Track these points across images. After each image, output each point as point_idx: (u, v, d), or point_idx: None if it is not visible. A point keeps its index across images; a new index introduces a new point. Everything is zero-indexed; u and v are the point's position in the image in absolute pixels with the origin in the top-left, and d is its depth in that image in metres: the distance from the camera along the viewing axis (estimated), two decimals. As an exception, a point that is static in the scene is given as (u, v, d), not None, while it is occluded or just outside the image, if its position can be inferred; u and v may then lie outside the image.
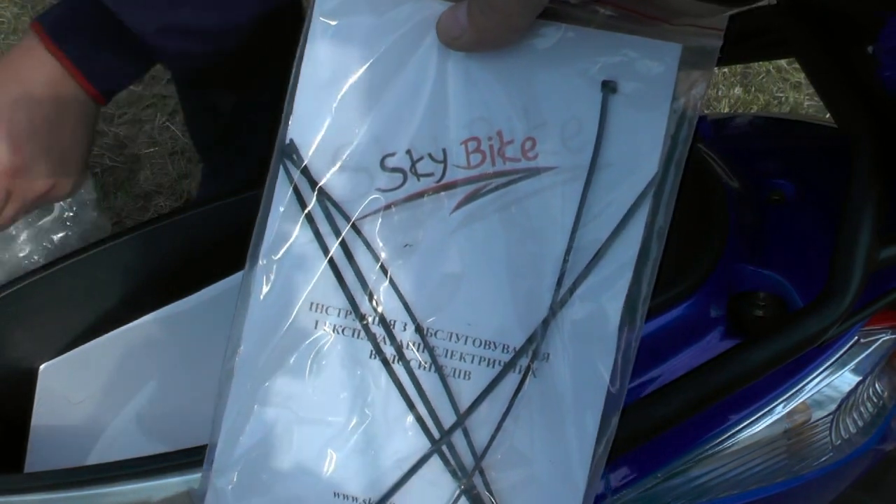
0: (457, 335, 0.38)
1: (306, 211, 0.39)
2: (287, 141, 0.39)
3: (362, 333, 0.38)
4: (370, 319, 0.38)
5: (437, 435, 0.38)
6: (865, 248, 0.51)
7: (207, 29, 0.64)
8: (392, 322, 0.38)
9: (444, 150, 0.37)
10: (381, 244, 0.38)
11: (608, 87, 0.36)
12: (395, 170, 0.38)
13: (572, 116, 0.36)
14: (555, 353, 0.38)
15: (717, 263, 0.64)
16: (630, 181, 0.36)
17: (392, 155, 0.38)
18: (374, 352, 0.39)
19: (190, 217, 0.76)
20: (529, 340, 0.38)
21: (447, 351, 0.38)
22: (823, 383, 0.66)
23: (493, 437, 0.38)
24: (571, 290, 0.37)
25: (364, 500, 0.39)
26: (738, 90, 1.81)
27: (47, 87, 0.61)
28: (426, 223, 0.38)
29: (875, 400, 0.70)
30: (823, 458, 0.69)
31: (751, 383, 0.52)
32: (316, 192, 0.39)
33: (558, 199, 0.37)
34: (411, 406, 0.39)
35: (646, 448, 0.51)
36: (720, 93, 1.81)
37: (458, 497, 0.38)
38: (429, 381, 0.38)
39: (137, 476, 0.55)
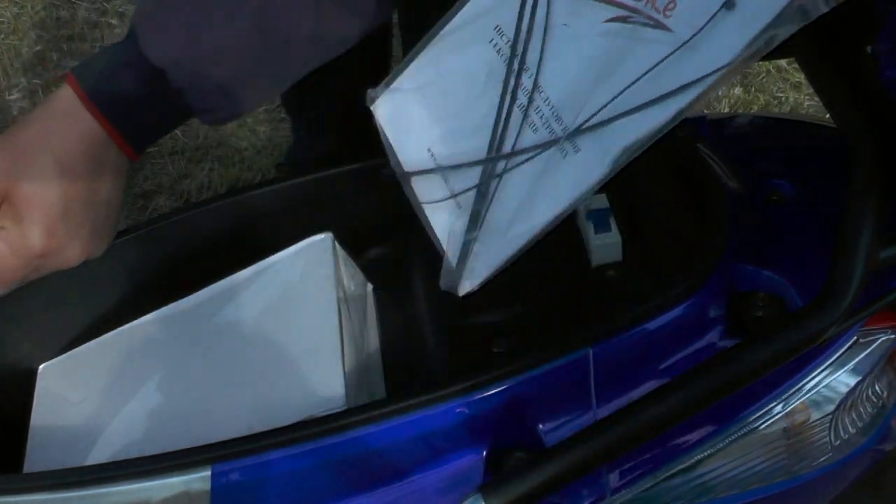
0: (552, 103, 0.49)
1: None
2: None
3: (507, 57, 0.50)
4: (518, 49, 0.49)
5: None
6: (865, 248, 0.51)
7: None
8: (527, 68, 0.49)
9: None
10: (554, 14, 0.48)
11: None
12: None
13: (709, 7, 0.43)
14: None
15: (717, 263, 0.64)
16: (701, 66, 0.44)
17: None
18: (505, 80, 0.50)
19: (190, 217, 0.76)
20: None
21: (538, 104, 0.49)
22: (823, 383, 0.66)
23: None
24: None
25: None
26: (738, 90, 1.81)
27: (84, 156, 0.56)
28: (586, 17, 0.47)
29: (874, 400, 0.70)
30: (823, 458, 0.69)
31: (751, 383, 0.52)
32: None
33: (658, 50, 0.45)
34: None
35: (646, 448, 0.51)
36: (720, 93, 1.81)
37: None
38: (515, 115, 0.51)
39: (137, 476, 0.55)
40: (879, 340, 0.68)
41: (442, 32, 0.52)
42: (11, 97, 1.89)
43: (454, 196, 0.51)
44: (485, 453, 0.58)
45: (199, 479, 0.56)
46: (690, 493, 0.65)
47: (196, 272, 0.75)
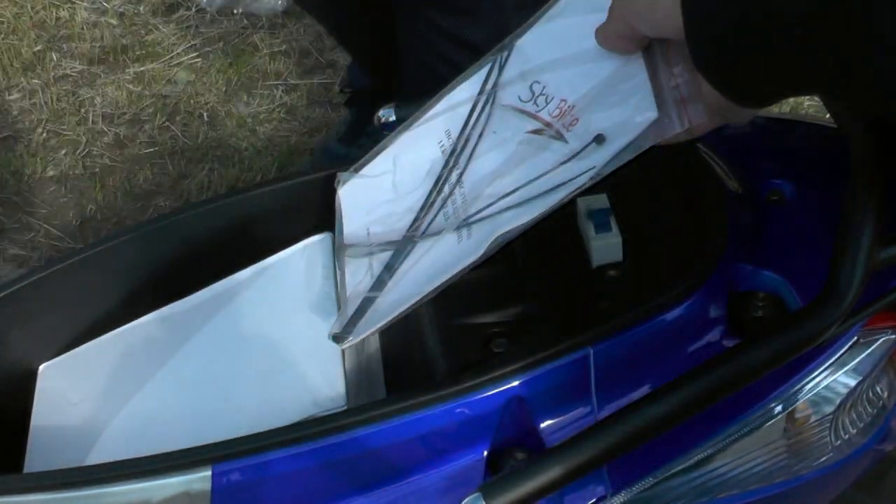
0: (465, 195, 0.57)
1: (492, 83, 0.58)
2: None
3: (447, 155, 0.58)
4: (457, 149, 0.58)
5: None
6: (865, 248, 0.51)
7: None
8: (458, 165, 0.58)
9: (551, 98, 0.54)
10: (491, 122, 0.57)
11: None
12: (539, 95, 0.56)
13: (598, 127, 0.52)
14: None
15: (717, 263, 0.64)
16: (579, 168, 0.53)
17: (538, 83, 0.56)
18: (439, 175, 0.58)
19: (190, 217, 0.76)
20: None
21: (455, 195, 0.57)
22: (823, 383, 0.66)
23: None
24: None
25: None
26: (737, 90, 1.80)
27: None
28: (513, 127, 0.56)
29: (875, 400, 0.70)
30: (823, 458, 0.69)
31: (751, 383, 0.52)
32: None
33: (553, 157, 0.54)
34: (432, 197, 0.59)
35: (646, 448, 0.51)
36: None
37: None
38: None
39: (137, 476, 0.55)
40: (880, 341, 0.68)
41: (407, 131, 0.61)
42: (11, 97, 1.89)
43: (370, 267, 0.60)
44: (485, 453, 0.58)
45: (199, 479, 0.56)
46: (691, 493, 0.65)
47: (196, 272, 0.75)
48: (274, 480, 0.56)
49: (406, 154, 0.61)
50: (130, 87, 1.88)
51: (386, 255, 0.58)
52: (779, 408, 0.65)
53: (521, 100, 0.56)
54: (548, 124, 0.54)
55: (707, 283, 0.63)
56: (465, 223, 0.55)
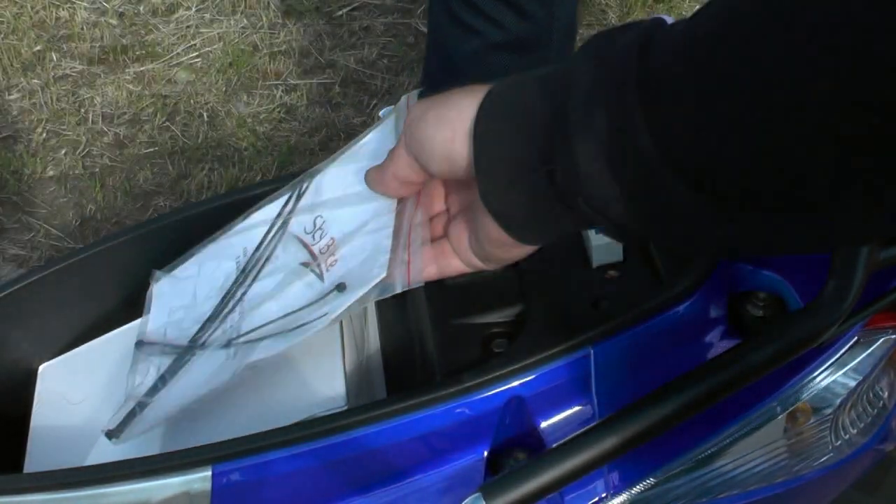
0: (242, 313, 0.60)
1: (288, 209, 0.62)
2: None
3: (239, 272, 0.62)
4: (247, 268, 0.61)
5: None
6: (866, 249, 0.51)
7: None
8: (245, 283, 0.61)
9: (325, 234, 0.58)
10: (279, 247, 0.60)
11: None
12: (318, 228, 0.59)
13: (345, 274, 0.57)
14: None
15: (717, 263, 0.64)
16: (320, 312, 0.56)
17: (321, 217, 0.60)
18: (231, 286, 0.62)
19: (190, 217, 0.76)
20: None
21: (234, 312, 0.61)
22: (823, 383, 0.66)
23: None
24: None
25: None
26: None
27: None
28: (291, 255, 0.59)
29: (875, 400, 0.70)
30: (823, 458, 0.69)
31: (751, 383, 0.52)
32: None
33: (310, 294, 0.57)
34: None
35: (646, 448, 0.51)
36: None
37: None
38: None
39: (137, 476, 0.55)
40: (880, 340, 0.68)
41: (214, 242, 0.65)
42: (11, 97, 1.89)
43: (151, 371, 0.62)
44: (485, 453, 0.58)
45: (199, 479, 0.56)
46: (691, 493, 0.65)
47: (196, 272, 0.75)
48: (274, 480, 0.56)
49: (209, 263, 0.64)
50: (130, 87, 1.89)
51: (167, 361, 0.61)
52: (779, 408, 0.65)
53: (305, 230, 0.59)
54: (315, 257, 0.58)
55: (707, 283, 0.63)
56: (235, 342, 0.59)
